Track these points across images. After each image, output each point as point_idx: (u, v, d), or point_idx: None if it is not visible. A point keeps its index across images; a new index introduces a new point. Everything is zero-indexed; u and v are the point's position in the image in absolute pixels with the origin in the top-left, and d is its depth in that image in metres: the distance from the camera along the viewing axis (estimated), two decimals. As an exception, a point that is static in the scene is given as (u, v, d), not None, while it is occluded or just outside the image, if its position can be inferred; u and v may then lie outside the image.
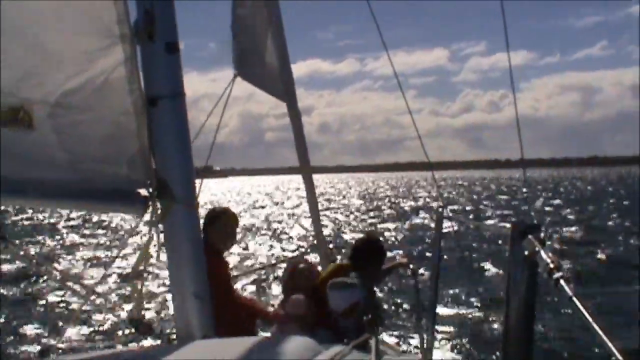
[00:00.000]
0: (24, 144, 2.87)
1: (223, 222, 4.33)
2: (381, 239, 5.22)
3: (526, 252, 1.97)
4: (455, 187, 66.41)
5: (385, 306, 10.51)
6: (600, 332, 1.47)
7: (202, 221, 4.36)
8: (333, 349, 2.67)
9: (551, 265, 1.79)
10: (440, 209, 3.57)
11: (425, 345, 3.90)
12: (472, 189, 72.16)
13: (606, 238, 20.70)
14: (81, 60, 2.83)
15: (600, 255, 16.79)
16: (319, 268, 4.96)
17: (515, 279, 2.06)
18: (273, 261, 14.44)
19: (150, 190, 2.94)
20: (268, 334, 4.65)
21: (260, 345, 2.53)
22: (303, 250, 16.30)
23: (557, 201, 41.60)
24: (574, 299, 1.63)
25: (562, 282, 1.72)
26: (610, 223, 26.51)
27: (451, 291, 11.84)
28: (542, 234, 1.99)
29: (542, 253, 1.88)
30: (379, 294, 9.95)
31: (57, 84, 2.85)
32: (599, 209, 34.13)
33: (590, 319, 1.51)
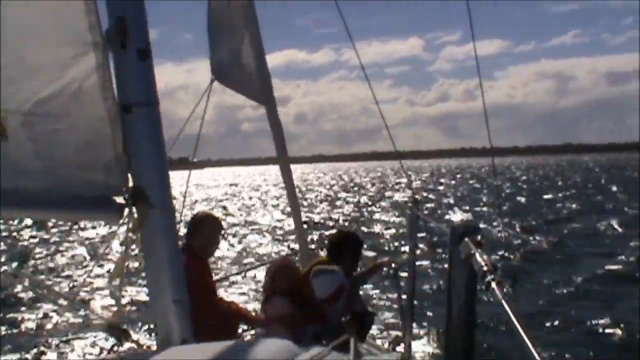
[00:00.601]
0: None
1: (207, 227, 4.36)
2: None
3: (463, 255, 2.02)
4: (429, 181, 66.32)
5: (369, 308, 10.48)
6: (525, 336, 1.50)
7: (186, 223, 4.41)
8: (312, 350, 2.69)
9: (484, 268, 1.83)
10: (414, 210, 3.62)
11: (405, 343, 3.95)
12: (449, 177, 72.28)
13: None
14: (54, 69, 2.83)
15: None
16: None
17: (455, 280, 2.11)
18: (255, 264, 14.38)
19: (126, 196, 2.94)
20: (251, 337, 4.66)
21: (236, 349, 2.53)
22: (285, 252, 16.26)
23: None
24: (503, 302, 1.66)
25: (493, 284, 1.75)
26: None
27: (425, 286, 11.87)
28: (479, 237, 2.04)
29: (477, 256, 1.92)
30: (366, 296, 9.95)
31: (31, 93, 2.84)
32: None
33: (516, 323, 1.54)
